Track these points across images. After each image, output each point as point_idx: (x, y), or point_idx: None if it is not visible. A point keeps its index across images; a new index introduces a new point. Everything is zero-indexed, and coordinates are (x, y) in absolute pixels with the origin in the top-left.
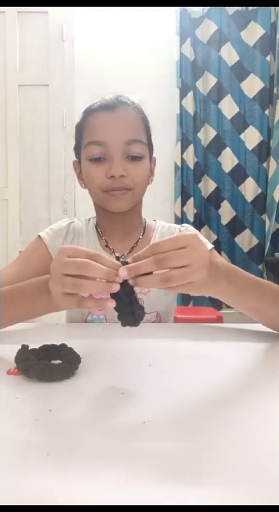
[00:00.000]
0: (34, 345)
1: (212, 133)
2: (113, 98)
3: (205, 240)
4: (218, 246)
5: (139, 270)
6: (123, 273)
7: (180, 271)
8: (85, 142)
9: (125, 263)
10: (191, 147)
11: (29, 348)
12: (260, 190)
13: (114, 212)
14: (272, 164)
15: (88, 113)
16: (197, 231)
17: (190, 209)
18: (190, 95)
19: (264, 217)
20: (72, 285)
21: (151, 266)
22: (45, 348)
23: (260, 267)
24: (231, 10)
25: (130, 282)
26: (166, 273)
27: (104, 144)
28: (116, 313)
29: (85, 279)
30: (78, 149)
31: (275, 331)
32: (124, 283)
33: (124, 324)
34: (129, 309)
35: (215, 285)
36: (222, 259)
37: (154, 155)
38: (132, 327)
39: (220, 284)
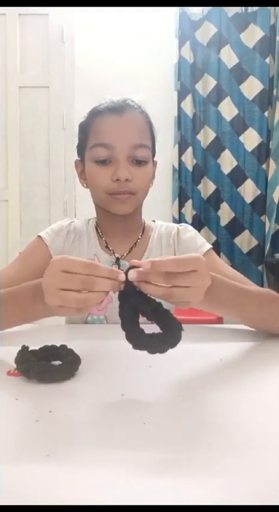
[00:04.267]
0: (34, 346)
1: (211, 135)
2: (121, 100)
3: (204, 241)
4: (217, 247)
5: (147, 278)
6: (132, 275)
7: (182, 291)
8: (91, 143)
9: (131, 268)
10: (189, 149)
11: (29, 349)
12: (259, 192)
13: (115, 214)
14: (271, 165)
15: (95, 114)
16: (195, 231)
17: (189, 210)
18: (189, 97)
19: (264, 218)
20: (76, 301)
21: (160, 280)
22: (45, 349)
23: (259, 268)
24: (230, 12)
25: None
26: (169, 290)
27: (111, 146)
28: (116, 312)
29: (87, 292)
30: (81, 149)
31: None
32: (126, 296)
33: (152, 352)
34: (130, 326)
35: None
36: (221, 262)
37: (155, 158)
38: (142, 350)
39: (202, 302)
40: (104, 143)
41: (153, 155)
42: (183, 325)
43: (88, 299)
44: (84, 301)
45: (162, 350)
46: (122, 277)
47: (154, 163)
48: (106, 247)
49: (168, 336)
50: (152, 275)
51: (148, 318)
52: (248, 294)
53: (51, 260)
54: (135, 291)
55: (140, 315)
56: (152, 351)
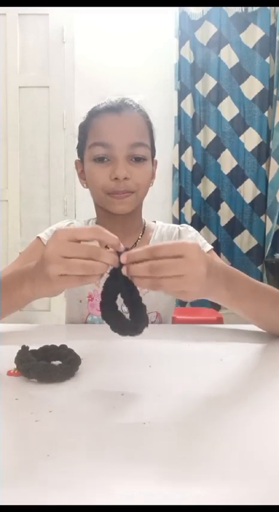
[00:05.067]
0: (34, 346)
1: (211, 135)
2: (119, 100)
3: (204, 241)
4: (217, 247)
5: (132, 271)
6: (123, 260)
7: (171, 281)
8: (89, 143)
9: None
10: (189, 149)
11: (29, 349)
12: (258, 192)
13: (115, 214)
14: (272, 166)
15: (94, 114)
16: (196, 231)
17: (188, 210)
18: (189, 97)
19: (263, 218)
20: (82, 267)
21: (145, 272)
22: (45, 349)
23: (259, 267)
24: (231, 12)
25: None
26: (157, 280)
27: (109, 145)
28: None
29: (93, 260)
30: (81, 149)
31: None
32: (114, 279)
33: (114, 329)
34: (107, 298)
35: (214, 293)
36: (222, 262)
37: (155, 158)
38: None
39: (219, 292)
40: (102, 142)
41: (153, 155)
42: (183, 325)
43: (95, 266)
44: (91, 268)
45: (120, 333)
46: (121, 248)
47: (154, 163)
48: (106, 247)
49: (130, 327)
50: (135, 269)
51: (124, 302)
52: (262, 290)
53: (55, 231)
54: (125, 280)
55: None
56: (113, 328)
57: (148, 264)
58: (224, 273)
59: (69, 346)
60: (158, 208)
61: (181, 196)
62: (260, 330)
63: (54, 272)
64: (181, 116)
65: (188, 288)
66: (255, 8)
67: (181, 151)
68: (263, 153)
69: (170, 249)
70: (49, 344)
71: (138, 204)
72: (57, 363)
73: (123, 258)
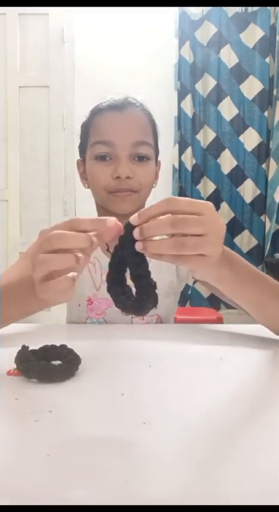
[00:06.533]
0: (34, 346)
1: (211, 135)
2: (122, 98)
3: None
4: None
5: (151, 229)
6: (134, 220)
7: (195, 240)
8: (91, 141)
9: (130, 226)
10: (189, 149)
11: (29, 349)
12: (258, 192)
13: (117, 214)
14: (272, 165)
15: (96, 112)
16: None
17: None
18: (189, 97)
19: (263, 218)
20: (40, 264)
21: (166, 227)
22: (45, 349)
23: (259, 267)
24: (230, 12)
25: (138, 246)
26: (179, 238)
27: (111, 144)
28: (115, 316)
29: (54, 253)
30: (83, 148)
31: (274, 333)
32: (122, 248)
33: (117, 305)
34: (115, 270)
35: (217, 271)
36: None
37: (158, 158)
38: (128, 313)
39: (221, 270)
40: (104, 141)
41: (156, 155)
42: (183, 325)
43: (47, 259)
44: (44, 262)
45: (122, 311)
46: (110, 222)
47: (158, 163)
48: (108, 250)
49: (134, 305)
50: (155, 226)
51: (131, 277)
52: (264, 279)
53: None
54: (132, 250)
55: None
56: (116, 304)
57: (169, 217)
58: (227, 252)
59: (69, 346)
60: None
61: (181, 196)
62: (259, 330)
63: (34, 279)
64: (181, 116)
65: (210, 248)
66: (255, 8)
67: (181, 152)
68: (262, 152)
69: (190, 204)
70: (49, 344)
71: (140, 204)
72: (57, 362)
73: (134, 218)
